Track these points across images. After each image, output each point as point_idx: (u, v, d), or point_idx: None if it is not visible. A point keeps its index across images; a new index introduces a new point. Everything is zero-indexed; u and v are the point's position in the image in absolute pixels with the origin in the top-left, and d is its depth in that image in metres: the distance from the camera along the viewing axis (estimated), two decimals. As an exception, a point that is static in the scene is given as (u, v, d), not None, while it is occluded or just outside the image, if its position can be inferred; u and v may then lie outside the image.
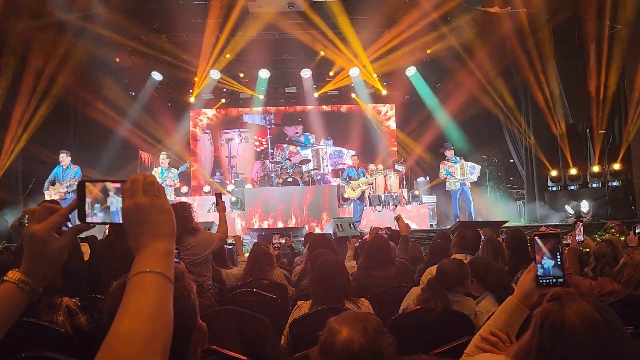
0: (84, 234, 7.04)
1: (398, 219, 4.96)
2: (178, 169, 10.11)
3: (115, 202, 1.01)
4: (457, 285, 2.84)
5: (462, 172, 10.23)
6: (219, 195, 4.37)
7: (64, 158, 9.15)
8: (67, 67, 10.34)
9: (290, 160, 12.47)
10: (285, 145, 14.81)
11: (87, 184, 1.04)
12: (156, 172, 9.77)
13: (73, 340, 2.57)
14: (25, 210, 1.07)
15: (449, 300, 2.78)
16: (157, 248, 0.89)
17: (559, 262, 1.56)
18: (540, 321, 1.22)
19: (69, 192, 8.91)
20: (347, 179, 10.87)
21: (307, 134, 14.96)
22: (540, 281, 1.56)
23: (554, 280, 1.56)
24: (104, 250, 3.47)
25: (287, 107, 14.93)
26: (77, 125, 11.84)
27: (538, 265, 1.56)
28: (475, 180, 10.46)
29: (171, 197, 9.91)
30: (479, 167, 10.47)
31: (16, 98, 9.58)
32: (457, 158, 10.47)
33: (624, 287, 3.06)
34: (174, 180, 9.76)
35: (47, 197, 8.77)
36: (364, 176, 11.02)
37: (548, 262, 1.57)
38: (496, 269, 3.05)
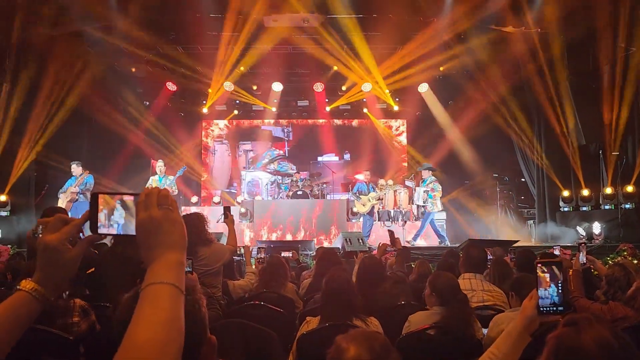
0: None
1: (392, 233, 4.98)
2: (177, 173, 10.05)
3: (119, 214, 1.04)
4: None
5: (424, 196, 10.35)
6: (227, 209, 4.38)
7: (75, 169, 9.25)
8: (84, 76, 10.51)
9: (300, 174, 12.52)
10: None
11: (100, 195, 1.06)
12: (153, 180, 9.75)
13: (85, 343, 2.57)
14: (40, 221, 1.11)
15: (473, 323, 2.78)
16: (170, 259, 0.92)
17: (560, 290, 1.56)
18: (555, 346, 1.20)
19: (79, 193, 8.99)
20: (357, 194, 10.81)
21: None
22: (541, 309, 1.56)
23: (555, 308, 1.56)
24: (108, 258, 3.49)
25: (299, 120, 15.01)
26: (91, 133, 11.97)
27: (539, 292, 1.56)
28: (421, 204, 10.55)
29: None
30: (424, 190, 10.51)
31: (33, 105, 9.73)
32: (427, 181, 10.48)
33: (638, 312, 3.01)
34: (171, 188, 9.74)
35: (59, 203, 8.86)
36: (374, 191, 10.97)
37: (549, 290, 1.57)
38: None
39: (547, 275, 1.57)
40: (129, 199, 1.04)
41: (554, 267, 1.58)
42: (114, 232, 1.06)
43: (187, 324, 0.91)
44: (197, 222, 3.75)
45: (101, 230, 1.05)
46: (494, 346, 1.64)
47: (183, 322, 0.87)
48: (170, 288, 0.88)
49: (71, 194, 8.98)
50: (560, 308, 1.55)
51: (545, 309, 1.55)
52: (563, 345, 1.19)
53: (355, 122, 15.06)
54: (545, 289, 1.56)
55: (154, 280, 0.89)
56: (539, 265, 1.58)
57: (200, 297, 1.34)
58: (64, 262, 1.03)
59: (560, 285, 1.56)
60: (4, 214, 9.43)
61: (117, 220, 1.06)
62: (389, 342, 1.50)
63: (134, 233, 0.99)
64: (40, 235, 1.06)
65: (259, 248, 5.58)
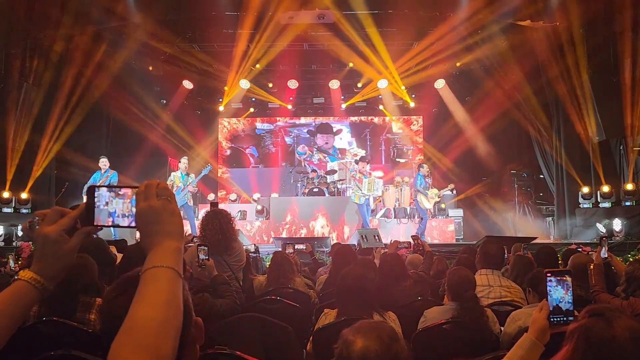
0: (112, 237, 7.16)
1: (416, 238, 4.99)
2: (201, 173, 10.06)
3: (114, 204, 1.08)
4: None
5: (369, 187, 10.08)
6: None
7: (103, 162, 9.35)
8: (103, 75, 10.65)
9: (316, 172, 12.52)
10: (315, 149, 14.87)
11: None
12: (176, 176, 9.70)
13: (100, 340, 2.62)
14: (37, 213, 1.13)
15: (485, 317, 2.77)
16: (168, 246, 0.97)
17: (570, 301, 1.57)
18: (584, 337, 1.20)
19: None
20: (422, 187, 10.35)
21: (336, 147, 14.98)
22: (552, 319, 1.57)
23: (565, 318, 1.57)
24: (136, 255, 3.54)
25: (315, 117, 15.03)
26: (110, 131, 12.14)
27: (550, 302, 1.58)
28: (380, 194, 10.25)
29: (190, 202, 9.98)
30: (381, 181, 10.45)
31: (53, 103, 9.90)
32: (366, 175, 10.31)
33: (658, 308, 2.96)
34: (193, 186, 9.80)
35: (84, 200, 9.00)
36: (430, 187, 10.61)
37: (560, 300, 1.58)
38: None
39: (558, 285, 1.58)
40: (125, 191, 1.08)
41: (564, 277, 1.59)
42: (114, 223, 1.08)
43: None
44: (229, 218, 3.95)
45: (98, 222, 1.08)
46: (507, 357, 1.65)
47: (182, 303, 0.92)
48: (169, 271, 0.93)
49: None
50: (570, 318, 1.56)
51: (555, 319, 1.57)
52: (594, 336, 1.18)
53: (371, 119, 15.02)
54: (556, 299, 1.58)
55: (153, 264, 0.94)
56: (549, 275, 1.59)
57: (184, 288, 1.36)
58: (62, 253, 1.06)
59: (570, 295, 1.58)
60: (25, 211, 9.61)
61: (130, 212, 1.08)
62: (395, 331, 1.50)
63: (132, 225, 1.05)
64: (38, 227, 1.09)
65: (287, 245, 5.65)
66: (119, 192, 1.08)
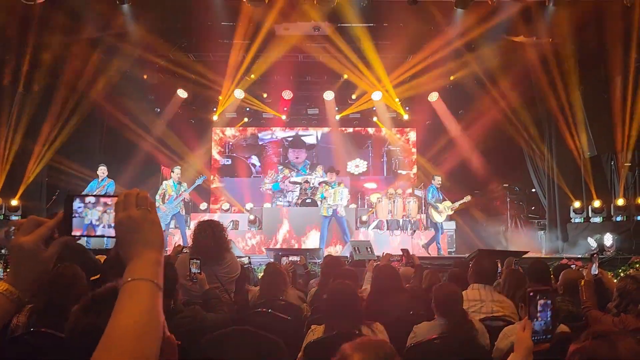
0: (104, 246, 7.09)
1: (405, 251, 5.00)
2: (194, 183, 10.03)
3: (90, 215, 1.06)
4: None
5: (334, 197, 9.97)
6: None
7: (104, 171, 9.35)
8: (97, 83, 10.63)
9: (309, 183, 12.53)
10: (280, 167, 14.84)
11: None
12: (168, 185, 9.66)
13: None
14: (12, 223, 1.11)
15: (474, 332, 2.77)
16: (148, 257, 0.95)
17: (549, 319, 1.59)
18: (587, 359, 1.19)
19: None
20: (434, 200, 10.20)
21: (308, 162, 14.91)
22: (534, 338, 1.57)
23: (545, 336, 1.58)
24: (114, 264, 3.51)
25: (309, 127, 15.05)
26: (103, 139, 12.09)
27: (533, 322, 1.59)
28: (345, 204, 10.12)
29: (182, 211, 9.92)
30: (347, 190, 10.35)
31: (46, 111, 9.86)
32: (336, 183, 10.23)
33: (649, 325, 2.97)
34: (186, 196, 9.73)
35: None
36: (444, 199, 10.39)
37: (542, 319, 1.59)
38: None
39: (540, 303, 1.60)
40: (104, 200, 1.06)
41: (545, 296, 1.61)
42: (93, 233, 1.07)
43: None
44: (222, 228, 3.96)
45: (75, 232, 1.06)
46: None
47: (162, 316, 0.91)
48: (149, 284, 0.92)
49: None
50: (549, 336, 1.58)
51: (536, 337, 1.58)
52: (598, 358, 1.18)
53: (364, 131, 15.06)
54: (538, 319, 1.59)
55: (132, 277, 0.92)
56: (531, 294, 1.61)
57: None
58: (38, 264, 1.04)
59: (550, 313, 1.59)
60: (15, 218, 9.52)
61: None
62: (394, 351, 1.50)
63: (111, 235, 1.03)
64: (13, 237, 1.06)
65: (282, 257, 5.63)
66: (98, 202, 1.06)
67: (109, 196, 1.06)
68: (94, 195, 1.08)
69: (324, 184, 10.40)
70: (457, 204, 10.39)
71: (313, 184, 12.59)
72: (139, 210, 0.98)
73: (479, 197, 12.90)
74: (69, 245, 1.09)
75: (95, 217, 1.06)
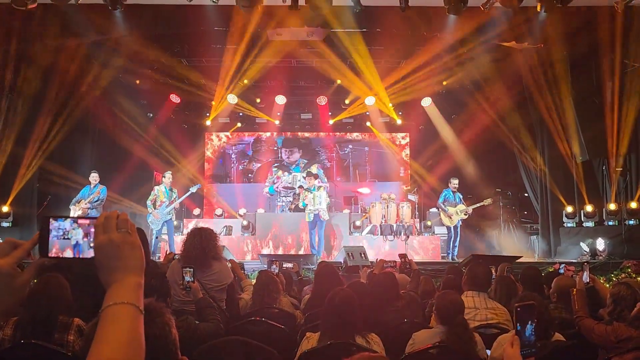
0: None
1: (403, 256, 4.98)
2: (188, 191, 9.97)
3: (75, 235, 1.04)
4: None
5: (314, 201, 9.97)
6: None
7: (96, 178, 9.30)
8: (89, 88, 10.57)
9: (303, 188, 12.49)
10: (274, 169, 14.82)
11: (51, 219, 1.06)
12: (160, 190, 9.58)
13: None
14: None
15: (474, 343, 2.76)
16: (129, 282, 0.95)
17: (534, 332, 1.60)
18: None
19: (91, 208, 9.00)
20: (444, 204, 10.02)
21: (301, 160, 14.92)
22: (522, 352, 1.58)
23: (530, 350, 1.59)
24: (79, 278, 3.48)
25: (302, 132, 15.05)
26: (95, 145, 12.00)
27: (520, 336, 1.60)
28: (325, 207, 10.00)
29: (173, 219, 9.85)
30: (325, 193, 10.22)
31: (37, 116, 9.78)
32: (315, 187, 10.20)
33: (642, 333, 2.97)
34: (178, 203, 9.66)
35: (71, 213, 8.87)
36: (462, 203, 10.08)
37: (527, 333, 1.60)
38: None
39: (525, 318, 1.61)
40: (84, 222, 1.04)
41: (530, 309, 1.63)
42: (68, 255, 1.05)
43: (159, 345, 0.97)
44: (212, 236, 3.92)
45: (52, 254, 1.04)
46: None
47: (143, 340, 0.91)
48: (130, 308, 0.92)
49: (82, 209, 8.98)
50: (534, 350, 1.59)
51: (523, 351, 1.58)
52: None
53: (358, 136, 15.08)
54: (524, 334, 1.60)
55: (114, 302, 0.92)
56: (518, 309, 1.62)
57: (169, 318, 1.35)
58: (15, 287, 1.01)
59: (534, 326, 1.60)
60: (5, 224, 9.44)
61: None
62: None
63: (89, 256, 1.01)
64: None
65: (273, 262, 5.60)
66: (77, 223, 1.05)
67: (89, 218, 1.05)
68: (73, 217, 1.06)
69: (303, 190, 10.39)
70: (470, 208, 10.12)
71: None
72: (120, 234, 0.97)
73: (471, 202, 12.93)
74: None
75: (80, 237, 1.04)
